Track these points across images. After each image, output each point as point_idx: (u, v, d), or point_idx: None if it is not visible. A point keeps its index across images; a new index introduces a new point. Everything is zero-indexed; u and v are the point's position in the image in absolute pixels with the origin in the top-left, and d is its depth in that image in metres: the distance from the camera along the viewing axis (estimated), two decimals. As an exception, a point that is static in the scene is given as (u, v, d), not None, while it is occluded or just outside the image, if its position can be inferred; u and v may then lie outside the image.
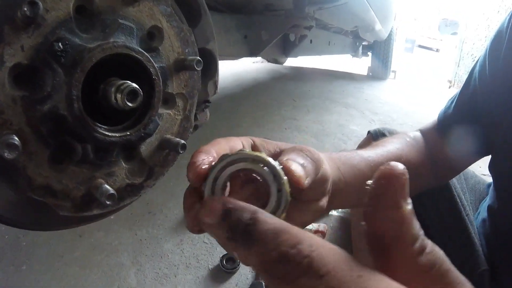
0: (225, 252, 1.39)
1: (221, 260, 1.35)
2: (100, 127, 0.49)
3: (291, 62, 5.74)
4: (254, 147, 0.47)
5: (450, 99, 0.91)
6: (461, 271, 0.29)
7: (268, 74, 5.04)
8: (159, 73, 0.54)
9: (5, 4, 0.45)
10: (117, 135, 0.51)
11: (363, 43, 5.03)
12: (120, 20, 0.53)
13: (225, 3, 1.70)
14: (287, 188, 0.34)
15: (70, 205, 0.53)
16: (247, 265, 0.28)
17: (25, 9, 0.43)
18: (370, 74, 5.71)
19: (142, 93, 0.49)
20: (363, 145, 1.11)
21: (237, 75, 4.66)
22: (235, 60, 3.52)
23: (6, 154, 0.43)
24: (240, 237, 0.27)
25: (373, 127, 3.05)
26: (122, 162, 0.58)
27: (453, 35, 10.39)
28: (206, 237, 1.49)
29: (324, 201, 0.51)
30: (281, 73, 5.28)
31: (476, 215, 0.99)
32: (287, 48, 2.32)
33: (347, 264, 0.25)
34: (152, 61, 0.52)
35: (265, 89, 4.15)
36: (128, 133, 0.52)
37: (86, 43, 0.49)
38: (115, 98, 0.48)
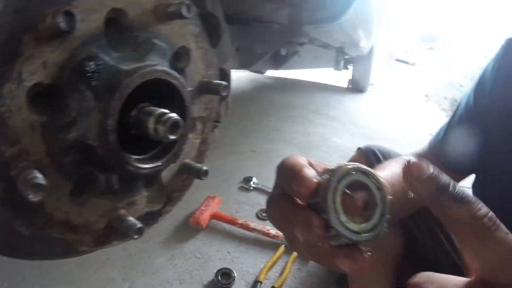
0: (219, 267, 1.35)
1: (216, 275, 1.31)
2: (132, 159, 0.45)
3: (272, 72, 5.76)
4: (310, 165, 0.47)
5: (440, 128, 1.01)
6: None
7: (251, 84, 5.02)
8: (190, 99, 0.51)
9: (27, 9, 0.39)
10: (149, 166, 0.48)
11: (345, 57, 5.10)
12: (154, 40, 0.49)
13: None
14: (388, 198, 0.39)
15: (90, 239, 0.49)
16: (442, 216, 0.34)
17: (59, 20, 0.37)
18: (350, 86, 5.78)
19: (184, 125, 0.45)
20: (355, 160, 1.21)
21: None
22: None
23: (31, 196, 0.37)
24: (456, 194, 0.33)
25: (356, 140, 3.11)
26: (143, 190, 0.55)
27: (430, 50, 10.71)
28: (198, 252, 1.45)
29: None
30: (263, 83, 5.27)
31: None
32: (277, 61, 2.31)
33: None
34: (186, 87, 0.49)
35: (249, 99, 4.14)
36: (160, 163, 0.49)
37: (119, 63, 0.45)
38: (156, 130, 0.44)
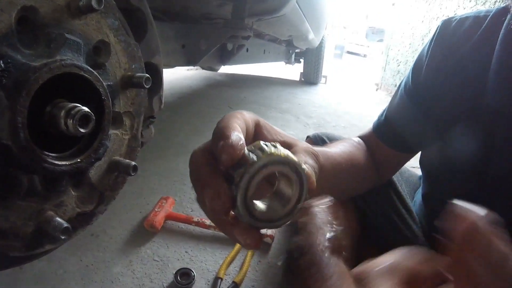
0: (178, 268, 1.34)
1: (175, 276, 1.29)
2: (49, 156, 0.44)
3: (225, 69, 5.77)
4: (257, 127, 0.44)
5: (383, 110, 1.03)
6: None
7: (203, 82, 5.00)
8: (108, 93, 0.50)
9: None
10: (67, 163, 0.46)
11: (296, 51, 5.20)
12: (67, 35, 0.48)
13: (162, 10, 1.66)
14: (307, 189, 0.37)
15: (20, 244, 0.47)
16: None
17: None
18: (303, 79, 5.92)
19: (94, 118, 0.44)
20: None
21: (171, 83, 4.56)
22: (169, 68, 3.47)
23: None
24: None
25: (309, 130, 3.17)
26: (71, 190, 0.53)
27: (379, 42, 11.11)
28: (156, 255, 1.43)
29: None
30: (216, 80, 5.26)
31: (413, 203, 1.13)
32: (225, 57, 2.31)
33: None
34: (102, 80, 0.48)
35: (201, 96, 4.11)
36: (78, 160, 0.48)
37: (30, 61, 0.44)
38: (65, 124, 0.43)
